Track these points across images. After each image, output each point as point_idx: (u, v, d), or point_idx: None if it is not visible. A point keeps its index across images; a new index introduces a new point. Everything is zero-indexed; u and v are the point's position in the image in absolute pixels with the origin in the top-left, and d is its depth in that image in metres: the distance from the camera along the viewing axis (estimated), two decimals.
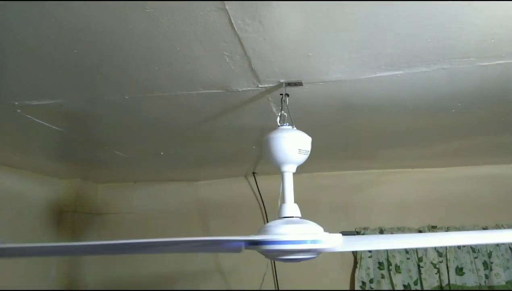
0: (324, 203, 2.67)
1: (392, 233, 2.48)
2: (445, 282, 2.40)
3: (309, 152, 1.18)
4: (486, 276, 2.40)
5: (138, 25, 0.98)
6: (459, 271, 2.42)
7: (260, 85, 1.33)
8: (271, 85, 1.32)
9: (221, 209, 2.86)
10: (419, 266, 2.46)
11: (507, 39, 1.05)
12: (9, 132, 1.78)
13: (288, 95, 1.33)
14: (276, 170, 1.19)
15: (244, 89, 1.35)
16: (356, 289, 2.49)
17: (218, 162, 2.45)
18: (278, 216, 1.12)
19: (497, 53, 1.12)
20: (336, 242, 1.03)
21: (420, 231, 2.51)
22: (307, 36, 1.03)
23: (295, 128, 1.20)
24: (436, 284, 2.42)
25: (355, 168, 2.69)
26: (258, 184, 2.81)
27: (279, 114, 1.26)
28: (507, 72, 1.24)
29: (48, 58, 1.14)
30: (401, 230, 2.53)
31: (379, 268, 2.51)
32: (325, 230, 1.05)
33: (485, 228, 2.45)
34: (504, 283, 2.35)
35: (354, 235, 2.52)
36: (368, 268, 2.51)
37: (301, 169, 1.19)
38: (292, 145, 1.15)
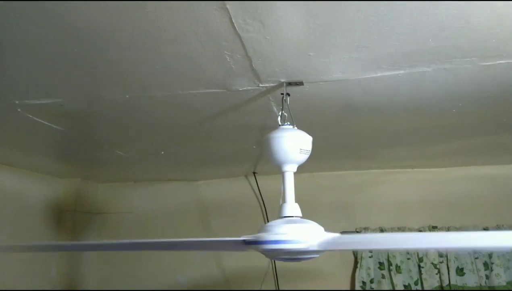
0: (324, 203, 2.67)
1: (392, 233, 2.48)
2: (446, 282, 2.40)
3: (310, 152, 1.18)
4: (487, 277, 2.39)
5: (138, 25, 0.98)
6: (460, 271, 2.42)
7: (261, 85, 1.32)
8: (272, 84, 1.32)
9: (222, 208, 2.86)
10: (419, 266, 2.46)
11: (509, 39, 1.05)
12: (9, 131, 1.78)
13: (289, 95, 1.33)
14: (277, 170, 1.18)
15: (245, 88, 1.35)
16: (356, 289, 2.49)
17: (219, 161, 2.44)
18: (279, 215, 1.12)
19: (498, 53, 1.12)
20: (336, 242, 1.03)
21: (420, 231, 2.50)
22: (308, 36, 1.03)
23: (296, 128, 1.20)
24: (436, 284, 2.41)
25: (356, 167, 2.68)
26: (258, 184, 2.80)
27: (280, 113, 1.26)
28: (508, 72, 1.23)
29: (48, 57, 1.14)
30: (401, 230, 2.53)
31: (379, 268, 2.51)
32: (325, 230, 1.05)
33: (485, 229, 2.45)
34: (504, 284, 2.35)
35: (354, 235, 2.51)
36: (369, 268, 2.50)
37: (301, 169, 1.19)
38: (293, 145, 1.14)
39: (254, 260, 2.50)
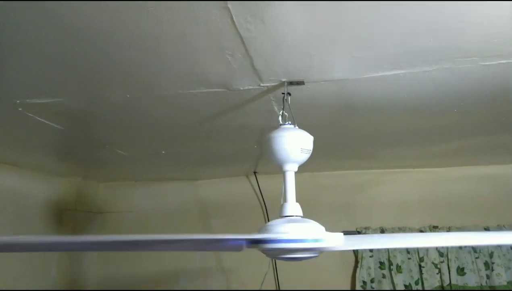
0: (325, 203, 2.67)
1: (393, 233, 2.48)
2: (446, 282, 2.39)
3: (311, 151, 1.18)
4: (488, 276, 2.39)
5: (139, 24, 0.98)
6: (461, 271, 2.42)
7: (261, 84, 1.32)
8: (273, 84, 1.32)
9: (222, 208, 2.86)
10: (420, 266, 2.46)
11: (510, 38, 1.05)
12: (10, 131, 1.78)
13: (290, 94, 1.33)
14: (277, 169, 1.18)
15: (246, 88, 1.35)
16: (357, 288, 2.49)
17: (219, 161, 2.44)
18: (280, 214, 1.12)
19: (499, 52, 1.12)
20: (337, 241, 1.03)
21: (421, 231, 2.50)
22: (309, 35, 1.03)
23: (297, 127, 1.20)
24: (437, 284, 2.41)
25: (356, 167, 2.68)
26: (259, 183, 2.80)
27: (281, 113, 1.26)
28: (509, 72, 1.23)
29: (49, 57, 1.14)
30: (402, 230, 2.53)
31: (380, 267, 2.50)
32: (326, 230, 1.05)
33: (486, 228, 2.44)
34: (505, 283, 2.35)
35: (356, 234, 2.51)
36: (369, 268, 2.50)
37: (302, 168, 1.19)
38: (294, 144, 1.14)
39: (254, 259, 2.49)
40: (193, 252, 2.79)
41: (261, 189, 2.80)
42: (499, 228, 2.45)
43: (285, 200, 1.14)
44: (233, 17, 0.95)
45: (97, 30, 1.00)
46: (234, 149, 2.16)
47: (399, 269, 2.46)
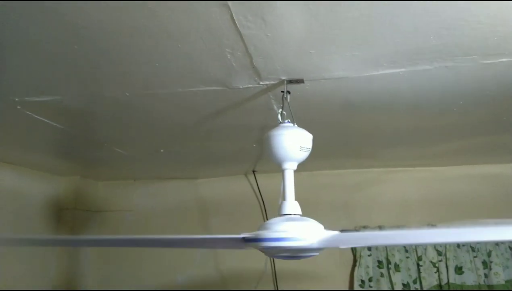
0: (324, 202, 2.67)
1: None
2: (444, 281, 2.40)
3: (310, 149, 1.18)
4: (486, 275, 2.40)
5: (139, 22, 0.98)
6: (459, 270, 2.42)
7: (261, 83, 1.32)
8: (272, 82, 1.32)
9: (221, 207, 2.86)
10: (418, 265, 2.46)
11: (510, 37, 1.05)
12: (9, 129, 1.78)
13: (289, 92, 1.33)
14: (276, 168, 1.18)
15: (245, 86, 1.35)
16: (355, 287, 2.49)
17: (218, 160, 2.44)
18: (279, 213, 1.12)
19: (500, 51, 1.12)
20: (336, 240, 1.03)
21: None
22: (309, 33, 1.03)
23: (296, 125, 1.20)
24: (435, 283, 2.42)
25: (356, 166, 2.68)
26: (258, 182, 2.80)
27: (280, 111, 1.26)
28: (510, 71, 1.23)
29: (48, 55, 1.13)
30: (401, 228, 2.53)
31: (378, 266, 2.51)
32: (325, 228, 1.05)
33: None
34: (503, 282, 2.35)
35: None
36: (368, 267, 2.51)
37: (301, 167, 1.19)
38: (293, 142, 1.14)
39: (252, 259, 2.49)
40: (192, 252, 2.79)
41: (260, 187, 2.80)
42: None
43: (284, 198, 1.14)
44: (233, 15, 0.95)
45: (96, 29, 1.00)
46: (233, 148, 2.15)
47: (397, 268, 2.47)
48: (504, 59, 1.16)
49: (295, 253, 1.07)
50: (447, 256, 2.43)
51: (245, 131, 1.85)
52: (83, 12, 0.93)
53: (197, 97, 1.44)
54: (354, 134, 1.95)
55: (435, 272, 2.42)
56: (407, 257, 2.49)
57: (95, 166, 2.60)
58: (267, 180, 2.78)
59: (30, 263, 2.48)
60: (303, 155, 1.16)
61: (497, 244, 2.42)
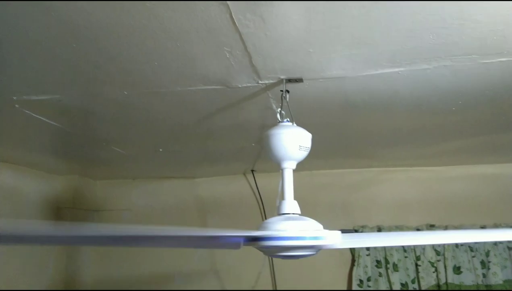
0: (323, 201, 2.67)
1: (390, 232, 2.48)
2: (443, 280, 2.40)
3: (309, 149, 1.18)
4: (484, 275, 2.40)
5: (138, 21, 0.97)
6: (457, 270, 2.42)
7: (260, 82, 1.32)
8: (271, 81, 1.32)
9: (220, 206, 2.86)
10: (416, 265, 2.46)
11: (510, 36, 1.05)
12: (7, 128, 1.77)
13: (288, 91, 1.33)
14: (275, 168, 1.18)
15: (244, 85, 1.35)
16: (353, 287, 2.49)
17: (217, 159, 2.44)
18: (278, 212, 1.12)
19: (499, 50, 1.12)
20: (335, 239, 1.03)
21: (418, 230, 2.51)
22: (308, 32, 1.03)
23: (295, 124, 1.20)
24: (433, 282, 2.42)
25: (355, 166, 2.69)
26: (256, 182, 2.80)
27: (279, 110, 1.25)
28: (509, 70, 1.23)
29: (47, 53, 1.13)
30: (399, 228, 2.53)
31: (377, 266, 2.51)
32: (324, 228, 1.05)
33: (483, 227, 2.45)
34: (501, 282, 2.36)
35: (353, 233, 2.51)
36: (366, 266, 2.51)
37: (300, 167, 1.19)
38: (292, 141, 1.14)
39: (251, 259, 2.49)
40: (190, 253, 2.79)
41: (258, 187, 2.79)
42: (496, 226, 2.46)
43: (282, 198, 1.14)
44: (232, 14, 0.94)
45: (96, 27, 0.99)
46: (232, 147, 2.15)
47: (395, 267, 2.47)
48: (503, 59, 1.16)
49: (294, 253, 1.07)
50: (446, 255, 2.44)
51: (244, 131, 1.85)
52: (82, 11, 0.93)
53: (196, 97, 1.44)
54: (353, 133, 1.95)
55: (434, 272, 2.43)
56: (406, 257, 2.50)
57: (94, 165, 2.60)
58: (265, 179, 2.77)
59: (28, 262, 2.47)
60: (302, 154, 1.16)
61: (495, 244, 2.42)
